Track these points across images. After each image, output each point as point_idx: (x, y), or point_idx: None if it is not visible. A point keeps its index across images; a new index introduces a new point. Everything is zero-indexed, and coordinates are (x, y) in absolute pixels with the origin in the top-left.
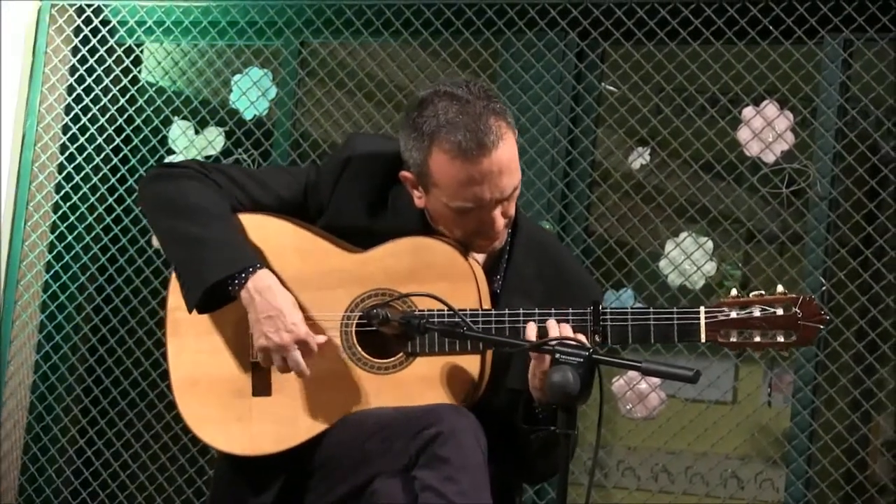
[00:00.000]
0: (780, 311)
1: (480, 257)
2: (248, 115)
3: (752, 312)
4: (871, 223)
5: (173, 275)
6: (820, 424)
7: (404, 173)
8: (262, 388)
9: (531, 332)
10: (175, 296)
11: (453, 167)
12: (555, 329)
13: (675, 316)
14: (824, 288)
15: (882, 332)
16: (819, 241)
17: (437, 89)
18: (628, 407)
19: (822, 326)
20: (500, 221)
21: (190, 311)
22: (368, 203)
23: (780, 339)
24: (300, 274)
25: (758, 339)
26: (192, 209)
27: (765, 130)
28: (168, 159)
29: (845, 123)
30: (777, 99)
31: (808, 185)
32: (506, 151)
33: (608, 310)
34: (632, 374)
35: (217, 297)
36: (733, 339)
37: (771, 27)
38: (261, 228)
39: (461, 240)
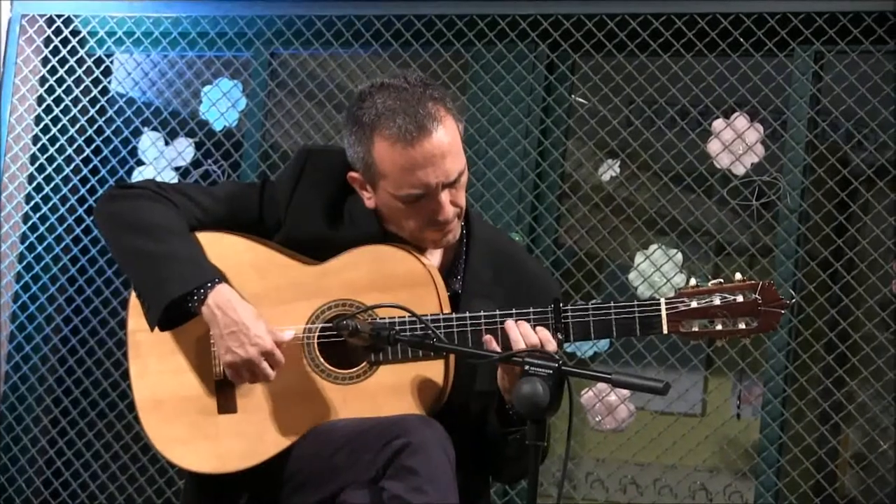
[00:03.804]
0: (739, 298)
1: (437, 260)
2: (217, 126)
3: (711, 301)
4: (840, 236)
5: (132, 296)
6: (789, 437)
7: (352, 174)
8: (227, 405)
9: (492, 344)
10: (135, 318)
11: (395, 153)
12: (517, 334)
13: (636, 309)
14: (794, 300)
15: (852, 344)
16: (789, 254)
17: (374, 82)
18: (597, 419)
19: (783, 311)
20: (450, 209)
21: (152, 330)
22: (325, 214)
23: (742, 325)
24: (259, 289)
25: (719, 327)
26: (149, 227)
27: (735, 142)
28: (138, 170)
29: (816, 136)
30: (747, 111)
31: (778, 197)
32: (447, 134)
33: (569, 307)
34: (601, 385)
35: (178, 313)
36: (695, 329)
37: (741, 39)
38: (217, 246)
39: (414, 234)
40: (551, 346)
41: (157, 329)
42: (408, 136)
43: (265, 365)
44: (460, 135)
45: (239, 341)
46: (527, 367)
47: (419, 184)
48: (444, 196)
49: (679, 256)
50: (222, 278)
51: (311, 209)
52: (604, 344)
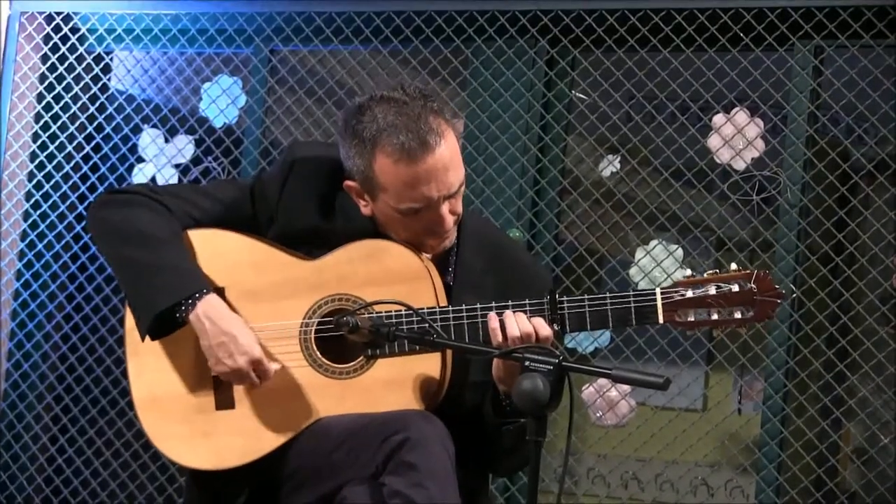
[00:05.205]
0: (735, 288)
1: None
2: (217, 123)
3: (707, 290)
4: (841, 230)
5: None
6: (790, 432)
7: (348, 183)
8: (225, 401)
9: (493, 322)
10: (132, 317)
11: (399, 169)
12: (512, 321)
13: (631, 299)
14: (795, 295)
15: (852, 339)
16: (789, 249)
17: (373, 95)
18: (598, 414)
19: (779, 301)
20: (450, 219)
21: (143, 339)
22: (317, 206)
23: (738, 315)
24: (256, 286)
25: (715, 316)
26: (139, 235)
27: (735, 138)
28: (138, 167)
29: (816, 130)
30: (747, 106)
31: (778, 192)
32: (448, 148)
33: (565, 298)
34: (602, 381)
35: (168, 323)
36: (691, 319)
37: (741, 34)
38: (214, 243)
39: (410, 240)
40: (545, 331)
41: (147, 338)
42: (411, 152)
43: (254, 374)
44: (458, 139)
45: (228, 351)
46: (527, 363)
47: (421, 198)
48: (445, 207)
49: (680, 252)
50: (211, 288)
51: (301, 203)
52: (604, 339)
